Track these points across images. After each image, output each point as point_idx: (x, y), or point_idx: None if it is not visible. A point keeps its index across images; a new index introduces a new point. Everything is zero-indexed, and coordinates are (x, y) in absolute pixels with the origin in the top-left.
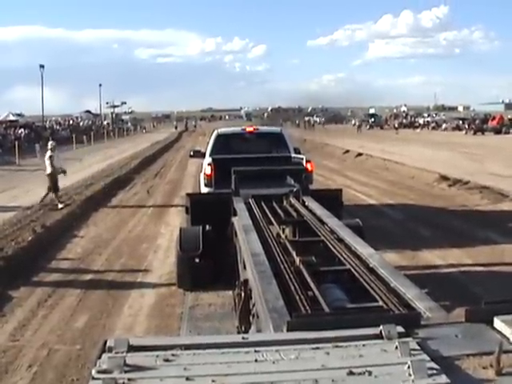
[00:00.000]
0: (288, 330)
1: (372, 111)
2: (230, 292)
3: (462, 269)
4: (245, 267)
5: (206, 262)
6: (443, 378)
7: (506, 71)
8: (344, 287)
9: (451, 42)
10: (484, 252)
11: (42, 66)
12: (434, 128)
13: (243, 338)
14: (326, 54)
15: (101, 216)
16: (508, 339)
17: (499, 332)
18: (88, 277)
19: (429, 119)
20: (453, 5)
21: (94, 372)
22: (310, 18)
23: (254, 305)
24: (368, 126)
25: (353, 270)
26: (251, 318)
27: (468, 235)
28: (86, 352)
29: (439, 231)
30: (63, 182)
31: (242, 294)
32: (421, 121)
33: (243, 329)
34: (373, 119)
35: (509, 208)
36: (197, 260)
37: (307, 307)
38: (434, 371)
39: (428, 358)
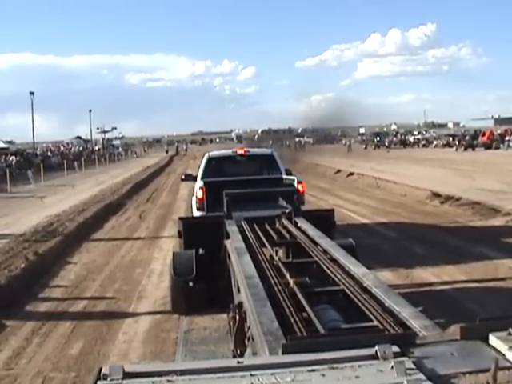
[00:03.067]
0: (283, 353)
1: (362, 130)
2: (225, 315)
3: (457, 285)
4: (239, 290)
5: (200, 286)
6: None
7: (495, 86)
8: (338, 307)
9: (439, 59)
10: (478, 268)
11: (32, 93)
12: (424, 145)
13: (238, 362)
14: (315, 74)
15: (93, 242)
16: (504, 356)
17: (495, 349)
18: (82, 303)
19: (419, 137)
20: (440, 22)
21: None
22: (299, 39)
23: (249, 328)
24: (374, 146)
25: (347, 290)
26: (246, 341)
27: (461, 251)
28: (81, 379)
29: (432, 248)
30: (55, 209)
31: (237, 317)
32: (411, 138)
33: (239, 352)
34: (378, 138)
35: (501, 223)
36: (191, 284)
37: (302, 329)
38: None
39: (424, 378)
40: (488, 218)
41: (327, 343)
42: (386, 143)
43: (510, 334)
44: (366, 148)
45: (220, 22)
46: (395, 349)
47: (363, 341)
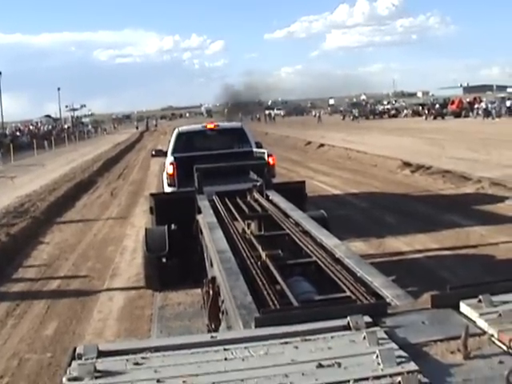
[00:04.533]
0: (256, 326)
1: (332, 101)
2: (199, 290)
3: (429, 254)
4: (212, 265)
5: (173, 262)
6: (412, 365)
7: (463, 55)
8: (311, 279)
9: (407, 28)
10: (449, 236)
11: None
12: (394, 115)
13: (212, 337)
14: (284, 46)
15: (65, 221)
16: (474, 322)
17: (465, 316)
18: (56, 283)
19: (388, 106)
20: None
21: (64, 380)
22: (267, 12)
23: (222, 302)
24: (352, 117)
25: (319, 261)
26: (221, 315)
27: (433, 220)
28: (57, 359)
29: (404, 217)
30: (25, 189)
31: (211, 292)
32: (380, 108)
33: (213, 326)
34: (356, 109)
35: (472, 191)
36: (164, 260)
37: (275, 302)
38: (403, 359)
39: (396, 347)
40: (459, 186)
41: (300, 315)
42: (356, 114)
43: (480, 301)
44: (343, 119)
45: None
46: (367, 319)
47: (335, 312)
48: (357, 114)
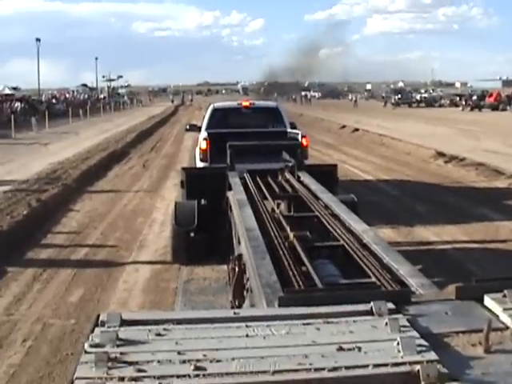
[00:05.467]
0: (279, 306)
1: (369, 87)
2: (225, 266)
3: (457, 245)
4: (239, 242)
5: (201, 237)
6: (432, 355)
7: (505, 48)
8: (337, 263)
9: (450, 17)
10: (479, 229)
11: (38, 40)
12: (430, 104)
13: (234, 313)
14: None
15: (96, 190)
16: (497, 317)
17: (489, 310)
18: (83, 251)
19: (426, 95)
20: None
21: (86, 346)
22: None
23: (247, 279)
24: (394, 104)
25: (346, 245)
26: (245, 292)
27: (463, 212)
28: (80, 326)
29: (435, 207)
30: (58, 156)
31: (236, 269)
32: (417, 97)
33: (237, 303)
34: (399, 95)
35: (504, 185)
36: (192, 234)
37: (300, 283)
38: (423, 348)
39: (417, 335)
40: (491, 180)
41: (323, 297)
42: (393, 101)
43: (504, 295)
44: (385, 105)
45: None
46: (390, 306)
47: (359, 296)
48: (399, 101)
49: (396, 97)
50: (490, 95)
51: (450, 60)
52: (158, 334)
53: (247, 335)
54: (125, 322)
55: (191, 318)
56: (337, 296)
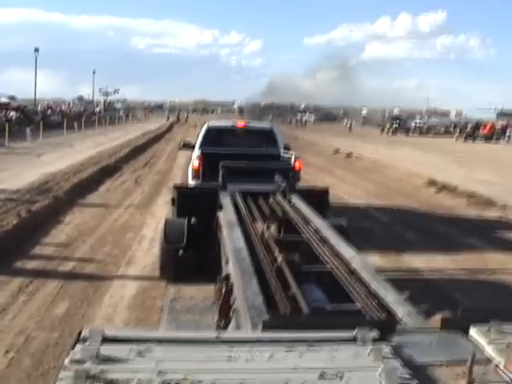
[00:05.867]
0: (264, 329)
1: (364, 112)
2: (212, 286)
3: (445, 274)
4: (227, 262)
5: (190, 255)
6: None
7: (501, 79)
8: (325, 288)
9: (447, 47)
10: (468, 259)
11: (36, 50)
12: (424, 132)
13: (218, 335)
14: (322, 52)
15: (87, 203)
16: (482, 349)
17: (474, 341)
18: (71, 264)
19: (420, 122)
20: (451, 10)
21: (66, 361)
22: (308, 16)
23: (234, 300)
24: (390, 132)
25: (334, 271)
26: (231, 313)
27: (453, 241)
28: (63, 340)
29: (424, 235)
30: (51, 167)
31: (223, 289)
32: (412, 124)
33: (223, 324)
34: (397, 123)
35: (495, 216)
36: (180, 252)
37: (286, 306)
38: (406, 378)
39: (400, 364)
40: (483, 210)
41: (308, 323)
42: (387, 127)
43: (490, 327)
44: (382, 132)
45: None
46: (375, 334)
47: (344, 323)
48: (397, 129)
49: (394, 124)
50: (484, 126)
51: (446, 89)
52: (140, 353)
53: (229, 358)
54: (107, 339)
55: (174, 338)
56: (322, 322)
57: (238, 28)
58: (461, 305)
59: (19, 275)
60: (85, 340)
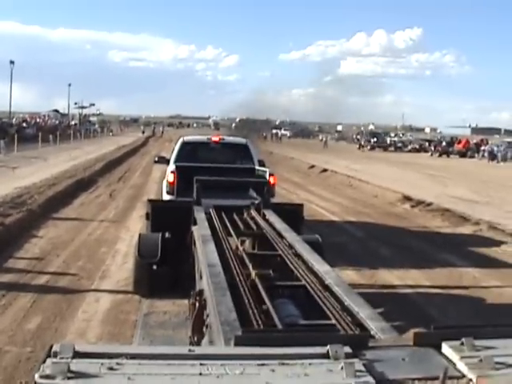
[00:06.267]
0: (236, 345)
1: (339, 128)
2: (186, 301)
3: (420, 290)
4: (201, 277)
5: (164, 270)
6: None
7: (475, 96)
8: (298, 303)
9: (422, 63)
10: (442, 274)
11: (12, 62)
12: (399, 148)
13: (189, 351)
14: (298, 68)
15: (61, 217)
16: (454, 365)
17: (446, 357)
18: (44, 278)
19: (395, 139)
20: (426, 27)
21: (36, 377)
22: (284, 32)
23: (207, 316)
24: (369, 147)
25: (308, 286)
26: (204, 328)
27: (427, 257)
28: (36, 355)
29: (399, 251)
30: (25, 181)
31: (197, 304)
32: (388, 140)
33: (196, 339)
34: (375, 139)
35: (469, 232)
36: (154, 267)
37: (259, 322)
38: None
39: (373, 381)
40: (457, 226)
41: (281, 338)
42: (362, 142)
43: (462, 343)
44: (360, 148)
45: (207, 8)
46: (347, 349)
47: (316, 339)
48: (375, 144)
49: (372, 140)
50: (459, 142)
51: (421, 105)
52: (111, 368)
53: (201, 373)
54: (78, 354)
55: (146, 354)
56: (294, 337)
57: (215, 43)
58: (435, 321)
59: None
60: (55, 355)
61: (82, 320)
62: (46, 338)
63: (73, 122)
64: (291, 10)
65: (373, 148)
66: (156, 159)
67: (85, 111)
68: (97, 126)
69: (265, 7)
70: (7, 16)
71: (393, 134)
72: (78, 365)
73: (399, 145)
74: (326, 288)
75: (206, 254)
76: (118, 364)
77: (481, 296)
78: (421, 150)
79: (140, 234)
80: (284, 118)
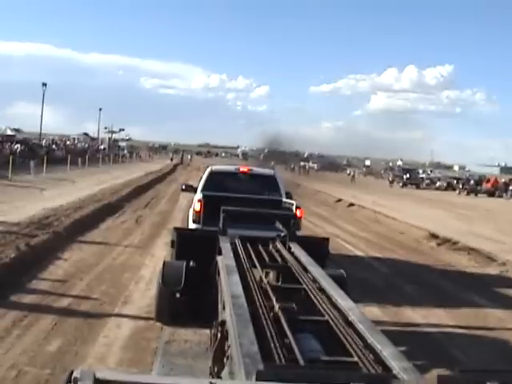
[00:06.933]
0: (257, 380)
1: (368, 162)
2: (208, 331)
3: (444, 330)
4: (224, 308)
5: (187, 298)
6: None
7: (504, 135)
8: (321, 338)
9: (453, 100)
10: (467, 315)
11: (44, 84)
12: (427, 185)
13: (211, 383)
14: (328, 101)
15: (86, 240)
16: None
17: None
18: (67, 301)
19: (423, 175)
20: (458, 64)
21: None
22: (315, 64)
23: (229, 347)
24: (401, 184)
25: (331, 321)
26: (225, 359)
27: (452, 296)
28: (55, 377)
29: (424, 289)
30: (52, 202)
31: (219, 335)
32: (408, 175)
33: (216, 370)
34: (408, 175)
35: (495, 272)
36: (178, 295)
37: (281, 356)
38: None
39: None
40: (483, 266)
41: (302, 375)
42: (390, 178)
43: None
44: (391, 184)
45: (240, 38)
46: None
47: (339, 377)
48: (407, 181)
49: (405, 176)
50: (488, 181)
51: (450, 143)
52: None
53: None
54: (98, 381)
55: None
56: (317, 374)
57: (246, 73)
58: (459, 362)
59: (14, 309)
60: (76, 381)
61: (103, 345)
62: (65, 361)
63: (102, 147)
64: (324, 43)
65: (405, 185)
66: (183, 187)
67: (114, 136)
68: (126, 151)
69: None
70: (40, 38)
71: (421, 171)
72: None
73: (427, 181)
74: (350, 324)
75: (229, 284)
76: None
77: (506, 338)
78: (449, 187)
79: (164, 262)
80: (312, 151)
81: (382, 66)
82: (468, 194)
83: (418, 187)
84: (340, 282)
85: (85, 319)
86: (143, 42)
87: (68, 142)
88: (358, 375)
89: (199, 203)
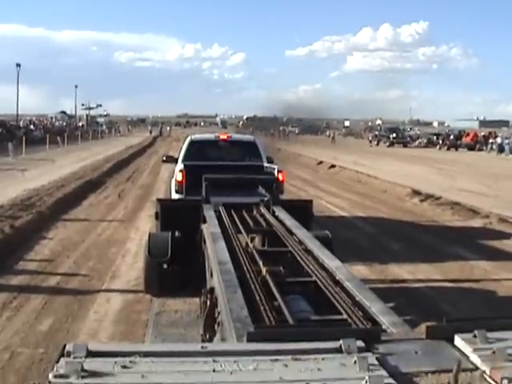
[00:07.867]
0: (248, 341)
1: (347, 123)
2: (197, 299)
3: (431, 284)
4: (212, 275)
5: (174, 268)
6: None
7: (482, 89)
8: (310, 299)
9: (429, 57)
10: (453, 268)
11: (18, 65)
12: (408, 143)
13: (202, 348)
14: (304, 64)
15: (70, 218)
16: (467, 357)
17: (459, 350)
18: (55, 279)
19: (411, 133)
20: (432, 20)
21: (50, 376)
22: (290, 28)
23: (219, 313)
24: (388, 143)
25: (319, 281)
26: (216, 326)
27: (438, 251)
28: (49, 356)
29: (409, 246)
30: (34, 183)
31: (208, 302)
32: (394, 134)
33: (208, 337)
34: (394, 134)
35: (479, 225)
36: (165, 266)
37: (271, 318)
38: None
39: (386, 374)
40: (467, 219)
41: (293, 334)
42: (370, 137)
43: (475, 336)
44: (378, 145)
45: (212, 6)
46: (360, 344)
47: (329, 334)
48: (394, 140)
49: (391, 136)
50: (467, 135)
51: (428, 99)
52: (124, 367)
53: (214, 370)
54: (91, 353)
55: (158, 351)
56: (306, 332)
57: (221, 41)
58: (447, 314)
59: (3, 291)
60: (69, 354)
61: (94, 320)
62: (58, 339)
63: (80, 124)
64: (296, 5)
65: (392, 144)
66: (164, 158)
67: (92, 112)
68: (104, 126)
69: (269, 4)
70: (11, 19)
71: (400, 129)
72: (91, 364)
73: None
74: (337, 283)
75: (216, 251)
76: (131, 362)
77: (492, 289)
78: (429, 144)
79: (150, 234)
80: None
81: (356, 26)
82: (448, 149)
83: (405, 146)
84: (326, 242)
85: (74, 296)
86: (115, 15)
87: (46, 122)
88: (347, 331)
89: (181, 173)
